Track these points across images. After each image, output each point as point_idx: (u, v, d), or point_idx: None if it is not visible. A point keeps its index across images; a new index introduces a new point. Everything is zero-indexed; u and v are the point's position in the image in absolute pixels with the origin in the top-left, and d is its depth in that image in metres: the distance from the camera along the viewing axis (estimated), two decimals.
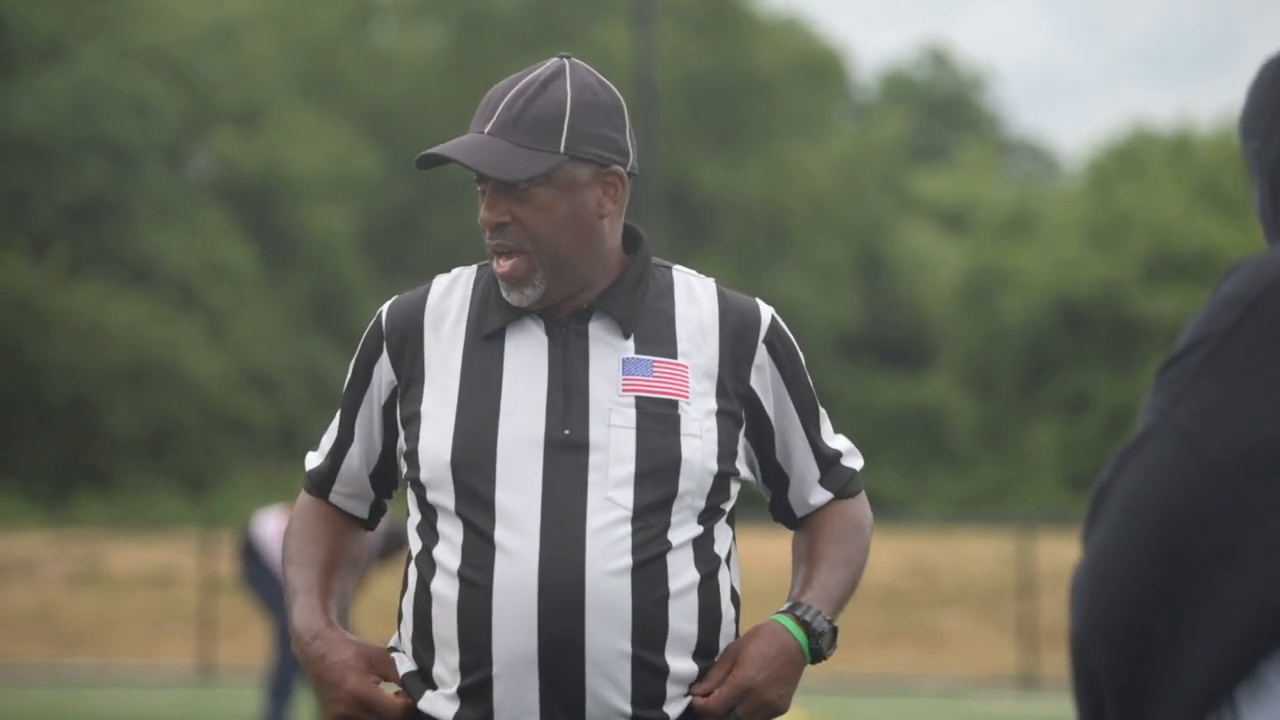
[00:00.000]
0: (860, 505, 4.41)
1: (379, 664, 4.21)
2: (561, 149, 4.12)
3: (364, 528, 4.43)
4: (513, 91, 4.16)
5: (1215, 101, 77.84)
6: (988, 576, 33.59)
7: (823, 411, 4.39)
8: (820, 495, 4.35)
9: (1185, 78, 75.36)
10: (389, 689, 4.21)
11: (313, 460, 4.45)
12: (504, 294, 4.15)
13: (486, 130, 4.14)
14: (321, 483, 4.41)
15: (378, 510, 4.42)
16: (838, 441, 4.41)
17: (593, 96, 4.18)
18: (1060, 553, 33.67)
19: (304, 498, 4.43)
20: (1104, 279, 44.72)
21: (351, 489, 4.38)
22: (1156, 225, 44.04)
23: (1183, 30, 78.72)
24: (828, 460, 4.36)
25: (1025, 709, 26.42)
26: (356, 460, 4.34)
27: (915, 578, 34.16)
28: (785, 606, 4.22)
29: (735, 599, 4.23)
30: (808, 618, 4.19)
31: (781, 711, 4.17)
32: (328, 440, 4.40)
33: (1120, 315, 44.43)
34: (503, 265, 4.12)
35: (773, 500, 4.37)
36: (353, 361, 4.33)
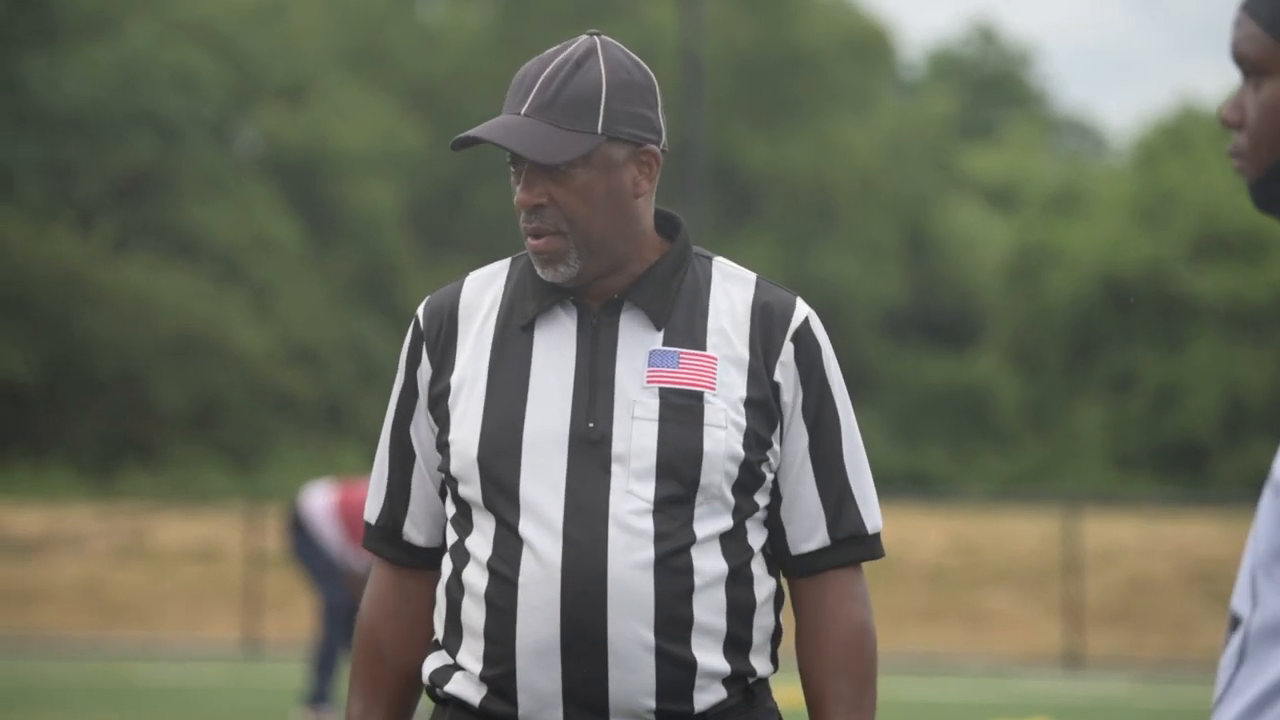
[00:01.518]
0: (858, 598, 4.26)
1: None
2: (599, 129, 4.11)
3: (434, 566, 4.25)
4: (546, 71, 4.15)
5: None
6: (1033, 555, 33.55)
7: (852, 437, 4.25)
8: (816, 538, 4.19)
9: (1207, 53, 75.21)
10: None
11: (372, 511, 4.30)
12: (538, 270, 4.12)
13: (523, 111, 4.12)
14: (388, 525, 4.28)
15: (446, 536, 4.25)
16: (854, 491, 4.24)
17: (627, 75, 4.16)
18: (1106, 532, 33.64)
19: (372, 583, 4.32)
20: (1151, 257, 44.57)
21: (420, 511, 4.26)
22: (1204, 204, 43.87)
23: (1232, 6, 78.68)
24: (836, 501, 4.22)
25: (1070, 688, 26.41)
26: (423, 476, 4.25)
27: (960, 556, 34.15)
28: None
29: (776, 593, 4.19)
30: None
31: None
32: (382, 478, 4.29)
33: (1168, 293, 44.29)
34: (536, 242, 4.08)
35: (767, 524, 4.21)
36: (400, 376, 4.27)
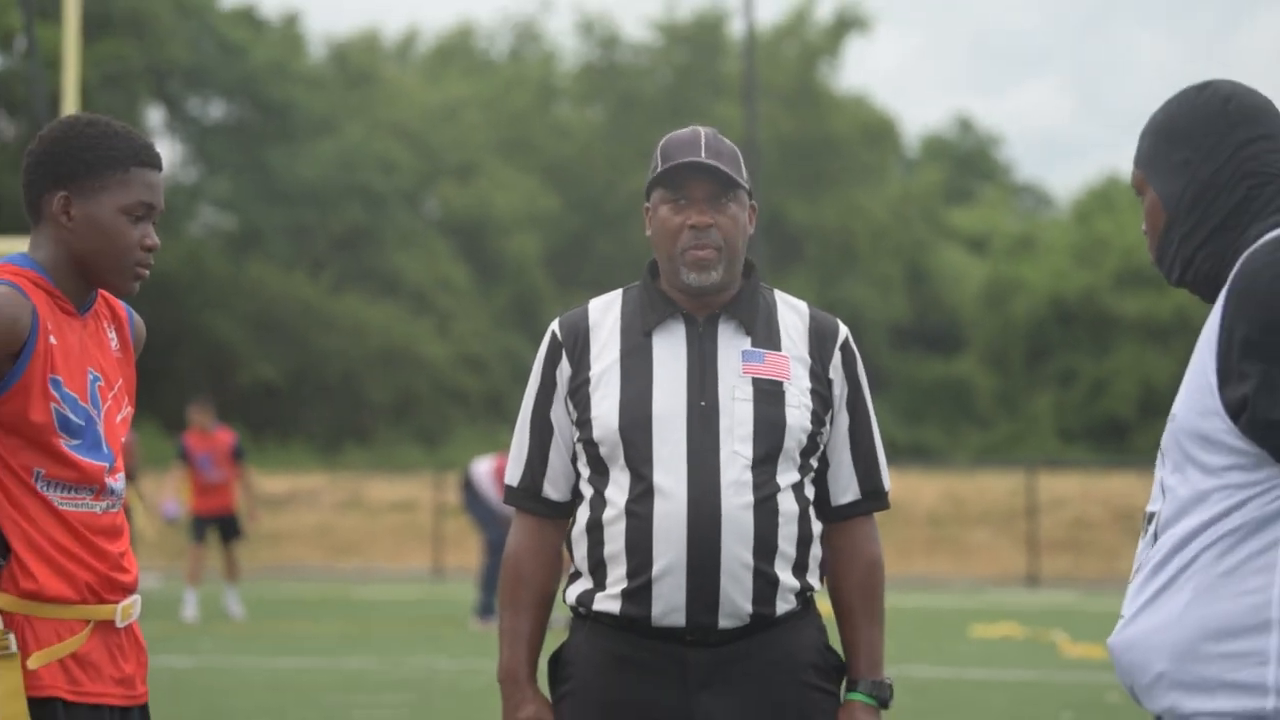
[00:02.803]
0: (873, 538, 4.27)
1: None
2: (744, 178, 4.21)
3: (565, 516, 4.23)
4: (704, 136, 4.20)
5: None
6: (1003, 503, 33.40)
7: (874, 428, 4.29)
8: (850, 493, 4.24)
9: (1134, 136, 74.68)
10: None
11: (514, 475, 4.26)
12: (691, 277, 4.14)
13: (703, 157, 4.16)
14: (530, 485, 4.24)
15: (578, 494, 4.21)
16: (877, 458, 4.28)
17: (740, 152, 4.27)
18: (1055, 486, 33.49)
19: (515, 529, 4.27)
20: (1086, 286, 44.38)
21: (556, 474, 4.22)
22: (1124, 248, 43.66)
23: (1148, 107, 77.96)
24: (862, 467, 4.25)
25: (1030, 599, 26.27)
26: (559, 447, 4.22)
27: (950, 505, 33.99)
28: (861, 686, 4.20)
29: (820, 531, 4.20)
30: (876, 693, 4.20)
31: None
32: (521, 450, 4.24)
33: (1098, 312, 44.10)
34: (701, 253, 4.13)
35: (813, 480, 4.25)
36: (537, 374, 4.24)
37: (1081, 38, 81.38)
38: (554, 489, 4.22)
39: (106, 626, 3.92)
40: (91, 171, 3.93)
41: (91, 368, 3.94)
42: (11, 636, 3.80)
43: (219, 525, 19.98)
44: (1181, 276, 3.30)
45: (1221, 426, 3.09)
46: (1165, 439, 3.23)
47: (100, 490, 3.91)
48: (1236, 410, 3.08)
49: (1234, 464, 3.10)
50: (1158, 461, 3.27)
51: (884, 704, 4.19)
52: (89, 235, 3.93)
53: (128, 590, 3.96)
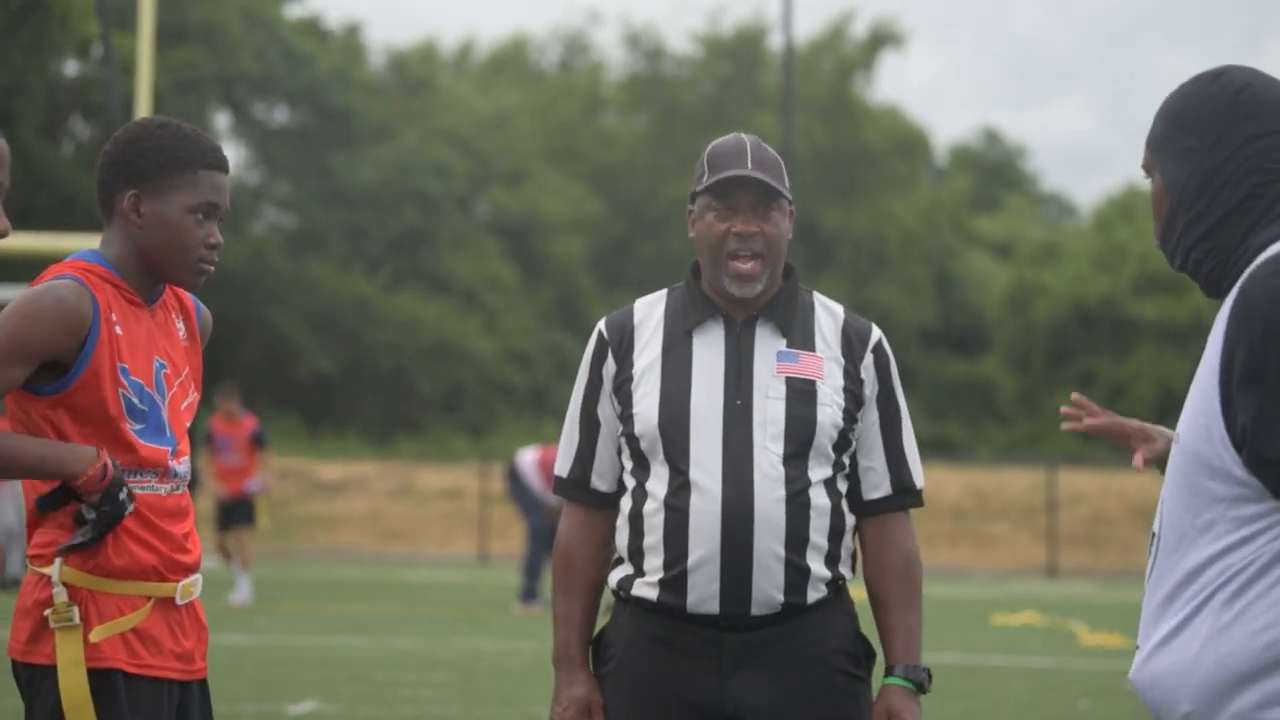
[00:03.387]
0: (908, 531, 4.24)
1: (594, 707, 4.17)
2: (785, 186, 4.19)
3: (613, 506, 4.22)
4: (749, 145, 4.19)
5: None
6: (1024, 498, 33.34)
7: (905, 425, 4.26)
8: (882, 488, 4.20)
9: None
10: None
11: (563, 467, 4.26)
12: (735, 287, 4.14)
13: (749, 167, 4.14)
14: (579, 477, 4.23)
15: (623, 485, 4.21)
16: (908, 455, 4.24)
17: (781, 160, 4.25)
18: (1075, 482, 33.41)
19: (565, 518, 4.27)
20: (1107, 291, 44.23)
21: (604, 466, 4.22)
22: (1143, 254, 43.49)
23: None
24: (894, 463, 4.22)
25: (1050, 590, 26.20)
26: (607, 441, 4.22)
27: (973, 498, 33.94)
28: (897, 670, 4.16)
29: (853, 524, 4.19)
30: (914, 677, 4.16)
31: None
32: (571, 444, 4.25)
33: (1118, 316, 43.95)
34: (745, 265, 4.13)
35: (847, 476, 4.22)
36: (585, 371, 4.24)
37: (1110, 54, 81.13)
38: (601, 481, 4.22)
39: (167, 603, 3.94)
40: (162, 172, 3.95)
41: (158, 356, 3.96)
42: (75, 609, 3.83)
43: (230, 509, 19.93)
44: (1182, 265, 3.15)
45: (1227, 457, 2.94)
46: (1171, 459, 3.06)
47: (164, 473, 3.93)
48: (1240, 441, 2.92)
49: (1240, 495, 2.94)
50: (1166, 477, 3.10)
51: (921, 688, 4.16)
52: (157, 232, 3.95)
53: (189, 570, 3.97)
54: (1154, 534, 3.11)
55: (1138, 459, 4.07)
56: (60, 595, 3.82)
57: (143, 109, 20.74)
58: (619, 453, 4.21)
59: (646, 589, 4.12)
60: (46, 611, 3.84)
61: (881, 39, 50.10)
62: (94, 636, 3.82)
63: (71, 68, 41.30)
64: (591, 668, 4.23)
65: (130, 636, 3.86)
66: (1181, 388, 42.55)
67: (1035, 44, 79.53)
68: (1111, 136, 74.40)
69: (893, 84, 78.04)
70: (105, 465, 3.79)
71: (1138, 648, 3.07)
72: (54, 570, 3.84)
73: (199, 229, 3.96)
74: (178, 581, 3.95)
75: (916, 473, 4.24)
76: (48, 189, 38.47)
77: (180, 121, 4.04)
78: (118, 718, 3.82)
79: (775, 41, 47.06)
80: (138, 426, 3.89)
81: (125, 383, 3.87)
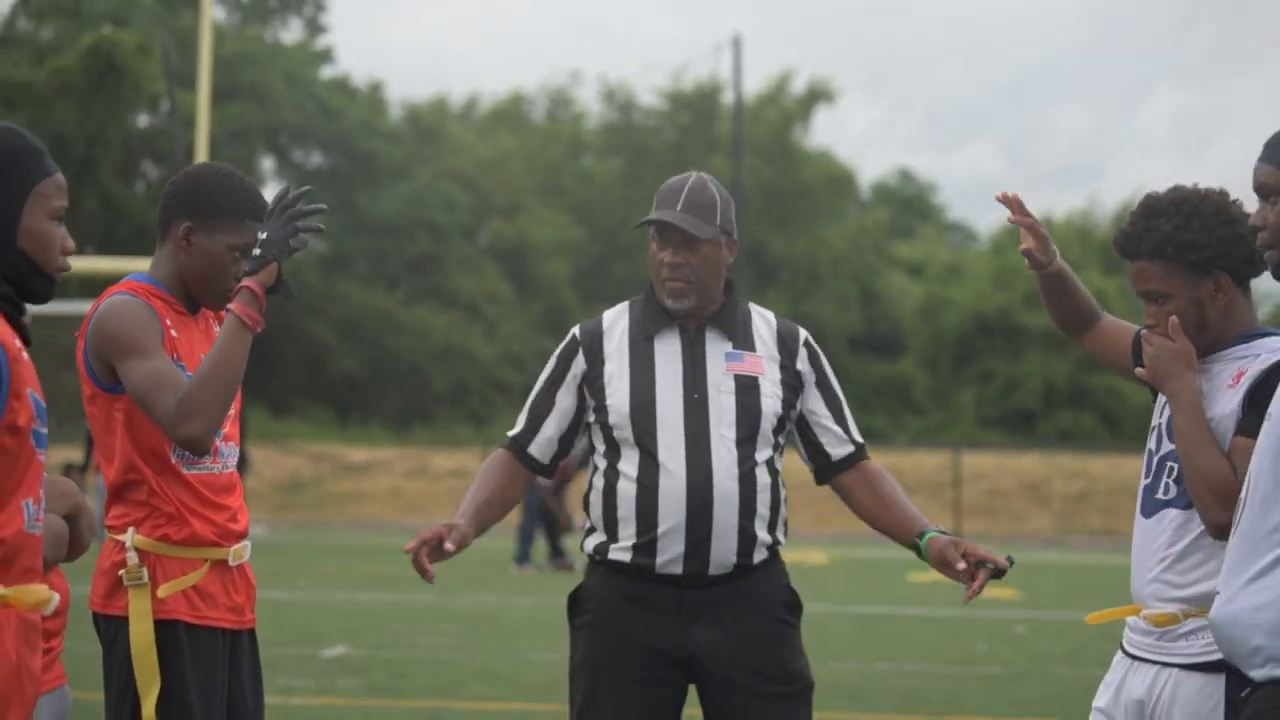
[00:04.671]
0: (876, 468, 4.30)
1: (454, 535, 4.16)
2: (718, 224, 4.15)
3: (541, 473, 4.27)
4: (686, 188, 4.17)
5: (1069, 203, 77.06)
6: (935, 475, 33.36)
7: (844, 401, 4.29)
8: (843, 449, 4.23)
9: (1053, 187, 74.62)
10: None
11: (515, 429, 4.29)
12: (669, 302, 4.14)
13: (679, 208, 4.14)
14: (521, 440, 4.25)
15: (555, 461, 4.26)
16: (851, 421, 4.29)
17: (726, 196, 4.23)
18: (976, 462, 33.44)
19: (497, 451, 4.31)
20: (1002, 304, 44.29)
21: (543, 440, 4.24)
22: (1032, 273, 43.53)
23: (1064, 163, 78.01)
24: (845, 428, 4.25)
25: None
26: (554, 424, 4.23)
27: (893, 476, 33.90)
28: (930, 528, 4.21)
29: (783, 497, 4.18)
30: (941, 529, 4.21)
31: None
32: (524, 414, 4.28)
33: (1011, 325, 43.99)
34: (675, 284, 4.13)
35: (810, 450, 4.25)
36: (553, 363, 4.26)
37: (1012, 107, 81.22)
38: (537, 451, 4.24)
39: (221, 565, 3.93)
40: (217, 212, 3.94)
41: (204, 354, 3.94)
42: (145, 570, 3.82)
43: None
44: None
45: None
46: (1263, 432, 2.96)
47: (215, 454, 3.91)
48: None
49: None
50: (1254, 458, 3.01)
51: (944, 534, 4.18)
52: (199, 261, 3.94)
53: (240, 536, 3.96)
54: (1241, 499, 3.04)
55: (1024, 246, 4.18)
56: (133, 558, 3.81)
57: (201, 155, 20.76)
58: (574, 436, 4.22)
59: (620, 553, 4.10)
60: (121, 572, 3.83)
61: (817, 95, 50.19)
62: (161, 592, 3.81)
63: (143, 120, 41.20)
64: (568, 620, 4.22)
65: (190, 593, 3.86)
66: (1063, 384, 42.68)
67: (950, 99, 79.63)
68: (1012, 174, 74.25)
69: (825, 132, 78.13)
70: (251, 291, 3.78)
71: (1218, 593, 2.99)
72: (128, 537, 3.83)
73: (233, 265, 3.94)
74: (230, 546, 3.94)
75: (858, 431, 4.29)
76: (124, 222, 38.32)
77: (241, 173, 4.03)
78: (179, 661, 3.81)
79: (728, 97, 47.13)
80: None
81: (183, 377, 3.84)
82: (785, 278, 47.46)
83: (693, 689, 4.13)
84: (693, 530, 4.04)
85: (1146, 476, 3.67)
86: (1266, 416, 2.99)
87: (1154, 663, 3.59)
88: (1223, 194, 3.61)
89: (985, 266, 46.87)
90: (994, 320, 44.38)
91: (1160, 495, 3.61)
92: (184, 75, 30.67)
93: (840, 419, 4.24)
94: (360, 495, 33.86)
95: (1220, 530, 3.42)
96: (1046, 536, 30.65)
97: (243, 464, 19.94)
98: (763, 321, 4.24)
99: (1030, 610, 15.50)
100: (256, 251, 3.82)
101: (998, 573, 4.07)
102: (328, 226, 43.20)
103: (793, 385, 4.18)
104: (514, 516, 25.58)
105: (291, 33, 47.81)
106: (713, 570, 4.06)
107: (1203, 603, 3.49)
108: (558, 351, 4.26)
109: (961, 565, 4.08)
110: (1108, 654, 3.91)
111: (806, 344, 4.24)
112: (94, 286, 26.91)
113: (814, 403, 4.21)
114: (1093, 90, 79.58)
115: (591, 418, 4.19)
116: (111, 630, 3.85)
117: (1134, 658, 3.65)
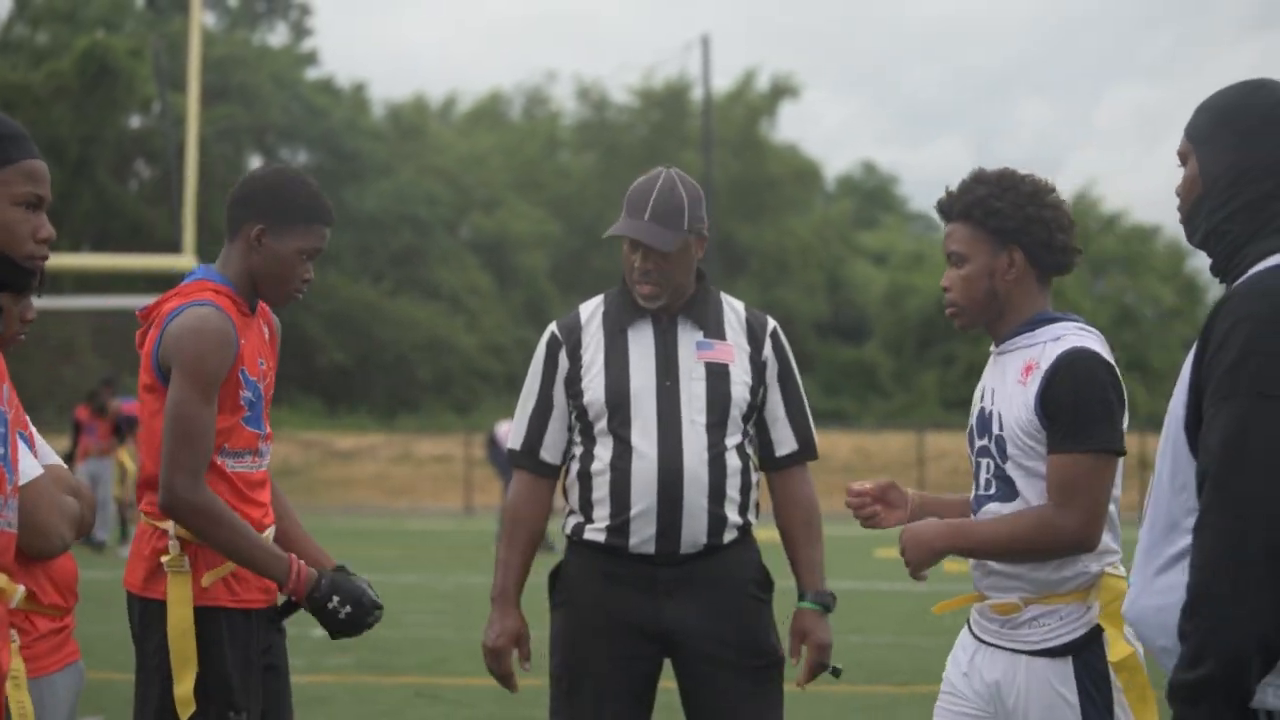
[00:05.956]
0: (809, 482, 4.23)
1: (521, 641, 4.21)
2: (685, 228, 4.11)
3: (555, 475, 4.19)
4: (655, 192, 4.10)
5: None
6: (899, 455, 33.47)
7: (804, 398, 4.24)
8: (787, 448, 4.18)
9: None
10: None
11: (515, 441, 4.20)
12: (641, 301, 4.12)
13: (646, 217, 4.08)
14: (530, 449, 4.17)
15: (567, 455, 4.18)
16: (807, 418, 4.23)
17: (695, 193, 4.17)
18: (938, 443, 33.53)
19: (516, 482, 4.21)
20: None
21: (552, 441, 4.18)
22: None
23: (1027, 156, 78.10)
24: (795, 426, 4.20)
25: None
26: (557, 421, 4.17)
27: (859, 456, 34.04)
28: (807, 596, 4.16)
29: (755, 480, 4.18)
30: (822, 600, 4.16)
31: (830, 643, 4.16)
32: (524, 422, 4.20)
33: None
34: (646, 288, 4.10)
35: (759, 439, 4.20)
36: (540, 367, 4.19)
37: (977, 104, 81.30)
38: (548, 454, 4.18)
39: None
40: (290, 216, 3.91)
41: (262, 357, 3.95)
42: (185, 558, 3.83)
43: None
44: (1200, 243, 2.83)
45: (1185, 445, 2.70)
46: (1166, 423, 2.76)
47: (255, 453, 3.91)
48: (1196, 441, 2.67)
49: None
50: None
51: (828, 609, 4.17)
52: (270, 263, 3.91)
53: (268, 528, 3.97)
54: (1149, 492, 2.83)
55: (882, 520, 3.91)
56: (174, 547, 3.82)
57: (191, 155, 20.74)
58: (569, 429, 4.16)
59: (595, 534, 4.10)
60: (162, 558, 3.83)
61: (781, 91, 50.22)
62: (205, 581, 3.83)
63: (135, 121, 41.07)
64: (547, 596, 4.23)
65: (229, 578, 3.88)
66: None
67: (912, 93, 79.64)
68: (966, 168, 74.27)
69: (791, 126, 78.17)
70: (299, 572, 3.82)
71: (1130, 584, 2.78)
72: (171, 525, 3.83)
73: (302, 267, 3.93)
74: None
75: (813, 432, 4.24)
76: (118, 219, 38.24)
77: (311, 179, 4.00)
78: (218, 645, 3.84)
79: (697, 94, 47.18)
80: (247, 416, 3.87)
81: (244, 383, 3.85)
82: (754, 267, 47.48)
83: (668, 663, 4.14)
84: (664, 512, 4.03)
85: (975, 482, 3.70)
86: (1169, 412, 2.77)
87: (1002, 649, 3.59)
88: (1048, 183, 3.62)
89: None
90: None
91: (982, 491, 3.64)
92: (175, 78, 30.56)
93: (794, 414, 4.19)
94: (349, 480, 33.83)
95: (1091, 536, 3.45)
96: None
97: None
98: (732, 311, 4.22)
99: None
100: (332, 604, 3.87)
101: (834, 671, 4.18)
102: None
103: (761, 374, 4.17)
104: (495, 498, 25.61)
105: (278, 36, 47.75)
106: (684, 550, 4.06)
107: (1041, 588, 3.52)
108: (542, 351, 4.21)
109: (795, 658, 4.16)
110: None
111: (773, 335, 4.21)
112: (89, 282, 26.77)
113: (772, 393, 4.18)
114: (1056, 88, 79.91)
115: (570, 407, 4.17)
116: (150, 613, 3.86)
117: (982, 641, 3.65)
